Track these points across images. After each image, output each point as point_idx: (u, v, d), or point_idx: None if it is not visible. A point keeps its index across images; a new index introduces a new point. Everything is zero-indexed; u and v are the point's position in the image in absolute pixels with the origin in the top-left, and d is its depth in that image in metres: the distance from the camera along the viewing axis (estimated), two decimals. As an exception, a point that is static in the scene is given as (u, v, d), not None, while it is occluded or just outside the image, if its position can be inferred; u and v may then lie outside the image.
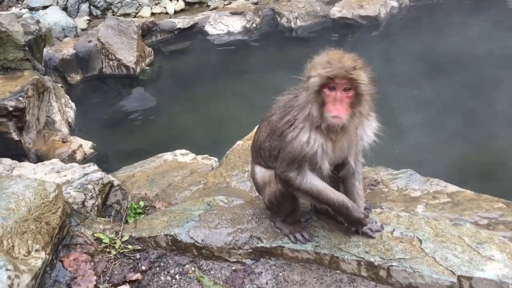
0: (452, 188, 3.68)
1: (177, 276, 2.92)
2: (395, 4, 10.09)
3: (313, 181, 2.66)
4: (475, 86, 6.81)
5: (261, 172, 2.93)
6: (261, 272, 2.88)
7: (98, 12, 10.91)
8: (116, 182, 3.65)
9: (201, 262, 2.99)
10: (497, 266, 2.60)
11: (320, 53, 2.53)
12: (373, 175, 3.90)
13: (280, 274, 2.85)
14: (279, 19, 9.89)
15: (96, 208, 3.40)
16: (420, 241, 2.83)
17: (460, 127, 5.63)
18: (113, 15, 10.66)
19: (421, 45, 8.50)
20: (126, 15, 10.72)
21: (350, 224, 2.83)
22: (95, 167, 3.76)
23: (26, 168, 3.86)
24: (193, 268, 2.96)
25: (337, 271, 2.83)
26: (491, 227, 3.25)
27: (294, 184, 2.67)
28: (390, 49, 8.54)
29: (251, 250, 2.97)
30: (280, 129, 2.61)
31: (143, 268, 2.97)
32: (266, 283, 2.82)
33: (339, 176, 2.84)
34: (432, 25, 9.28)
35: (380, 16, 9.57)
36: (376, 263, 2.73)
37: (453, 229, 2.92)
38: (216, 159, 4.56)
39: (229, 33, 9.62)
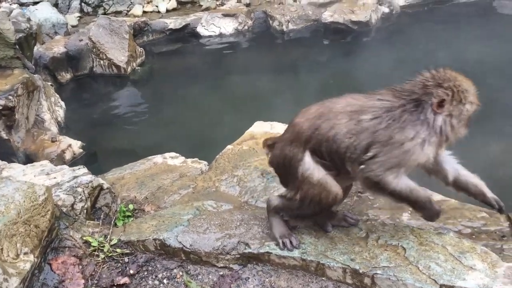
0: (437, 196, 3.74)
1: (164, 281, 2.95)
2: (386, 10, 10.19)
3: (407, 182, 2.80)
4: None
5: (314, 168, 2.80)
6: (248, 278, 2.92)
7: (89, 9, 10.88)
8: (105, 185, 3.67)
9: (189, 267, 3.02)
10: (478, 275, 2.67)
11: (449, 74, 2.80)
12: (360, 182, 3.96)
13: (267, 280, 2.90)
14: (271, 22, 9.94)
15: (85, 211, 3.42)
16: (405, 249, 2.89)
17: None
18: (105, 12, 10.65)
19: (412, 51, 8.60)
20: (117, 13, 10.71)
21: (427, 218, 2.98)
22: (85, 169, 3.78)
23: (16, 169, 3.86)
24: (181, 273, 2.99)
25: (323, 278, 2.88)
26: (474, 236, 3.32)
27: (389, 186, 2.75)
28: (380, 54, 8.63)
29: (238, 256, 3.01)
30: (392, 137, 2.70)
31: (131, 272, 3.00)
32: (253, 288, 2.86)
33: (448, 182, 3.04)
34: (423, 32, 9.38)
35: (371, 22, 9.65)
36: (361, 271, 2.78)
37: (436, 238, 2.99)
38: (205, 162, 4.58)
39: (221, 35, 9.65)
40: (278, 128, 4.72)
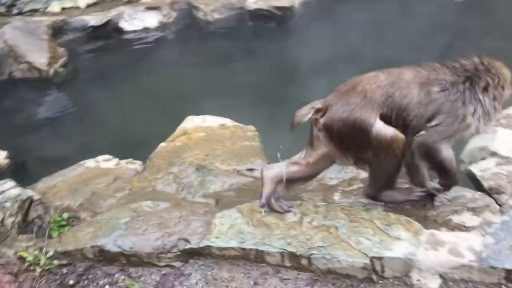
0: (364, 174, 3.96)
1: (106, 287, 2.94)
2: (308, -7, 10.39)
3: (452, 152, 3.21)
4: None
5: (386, 127, 3.05)
6: (191, 273, 2.98)
7: (2, 9, 10.25)
8: (36, 196, 3.57)
9: (130, 270, 3.03)
10: (403, 244, 2.89)
11: (493, 62, 3.19)
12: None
13: (209, 273, 2.97)
14: (195, 12, 9.84)
15: (16, 225, 3.32)
16: (337, 228, 3.06)
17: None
18: (20, 11, 10.07)
19: (336, 33, 8.82)
20: (33, 11, 10.15)
21: (447, 187, 3.38)
22: (12, 182, 3.65)
23: None
24: (122, 277, 3.00)
25: (263, 264, 2.99)
26: (399, 208, 3.56)
27: (440, 153, 3.12)
28: (306, 38, 8.83)
29: (179, 253, 3.06)
30: (456, 111, 3.07)
31: (71, 282, 2.97)
32: (196, 283, 2.92)
33: None
34: (344, 13, 9.62)
35: (294, 7, 9.80)
36: (298, 253, 2.92)
37: (365, 213, 3.19)
38: (140, 162, 4.54)
39: (145, 29, 9.44)
40: (210, 122, 4.78)
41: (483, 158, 3.95)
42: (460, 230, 3.14)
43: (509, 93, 3.21)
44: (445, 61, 3.25)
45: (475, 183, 3.69)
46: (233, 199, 3.67)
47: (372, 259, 2.83)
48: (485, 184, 3.58)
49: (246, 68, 7.71)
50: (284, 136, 5.29)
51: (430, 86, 3.08)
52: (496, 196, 3.46)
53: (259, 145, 4.43)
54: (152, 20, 9.56)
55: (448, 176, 3.30)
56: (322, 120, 3.12)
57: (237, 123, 4.75)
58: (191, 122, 4.77)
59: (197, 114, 4.91)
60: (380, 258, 2.83)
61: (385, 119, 3.07)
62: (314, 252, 2.91)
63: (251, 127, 4.66)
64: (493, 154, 3.91)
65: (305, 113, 3.17)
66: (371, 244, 2.91)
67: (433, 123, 3.07)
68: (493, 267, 2.74)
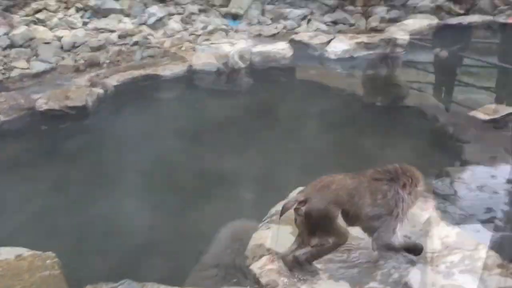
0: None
1: None
2: (101, 91, 10.62)
3: (400, 239, 4.35)
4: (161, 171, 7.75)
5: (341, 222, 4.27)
6: None
7: None
8: None
9: None
10: None
11: (408, 167, 4.46)
12: (95, 292, 4.28)
13: None
14: (-23, 116, 9.25)
15: None
16: None
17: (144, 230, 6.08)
18: None
19: (131, 126, 9.29)
20: None
21: (417, 255, 4.48)
22: None
23: None
24: None
25: None
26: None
27: (393, 246, 4.31)
28: (101, 138, 9.06)
29: None
30: (391, 211, 4.27)
31: None
32: None
33: None
34: (138, 107, 10.24)
35: (88, 105, 9.97)
36: None
37: None
38: None
39: None
40: (5, 254, 4.71)
41: (262, 255, 4.75)
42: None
43: (421, 189, 4.44)
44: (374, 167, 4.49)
45: (256, 280, 4.43)
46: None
47: None
48: (263, 281, 4.35)
49: (39, 177, 7.49)
50: (85, 257, 5.40)
51: (376, 195, 4.27)
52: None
53: (59, 273, 4.47)
54: None
55: (411, 251, 4.46)
56: (304, 209, 4.15)
57: (35, 251, 4.70)
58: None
59: (-2, 244, 4.71)
60: None
61: (345, 212, 4.23)
62: None
63: (50, 254, 4.68)
64: (268, 250, 4.76)
65: (291, 204, 4.22)
66: None
67: (377, 223, 4.27)
68: None
